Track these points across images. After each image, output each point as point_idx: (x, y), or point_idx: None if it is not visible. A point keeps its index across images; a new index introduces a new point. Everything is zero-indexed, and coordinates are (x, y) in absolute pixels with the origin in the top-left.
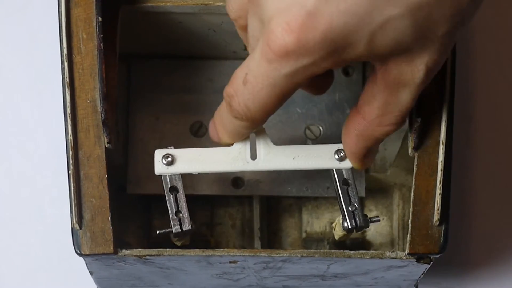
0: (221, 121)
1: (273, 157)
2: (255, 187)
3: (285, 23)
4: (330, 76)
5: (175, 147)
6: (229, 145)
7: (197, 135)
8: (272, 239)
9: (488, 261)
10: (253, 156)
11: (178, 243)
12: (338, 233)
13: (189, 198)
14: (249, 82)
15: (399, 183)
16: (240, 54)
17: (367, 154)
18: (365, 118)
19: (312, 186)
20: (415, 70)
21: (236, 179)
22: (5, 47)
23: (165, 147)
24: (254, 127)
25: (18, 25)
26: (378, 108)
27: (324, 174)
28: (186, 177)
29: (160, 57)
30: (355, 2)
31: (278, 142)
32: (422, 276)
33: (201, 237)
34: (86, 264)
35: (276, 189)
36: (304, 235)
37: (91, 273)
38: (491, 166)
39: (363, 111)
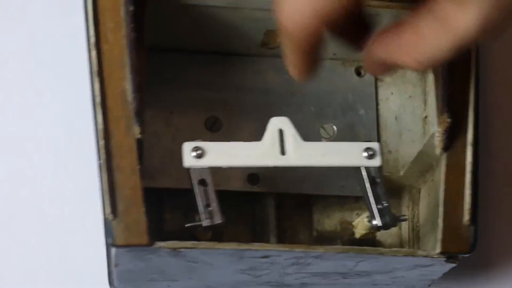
0: None
1: (303, 153)
2: (271, 184)
3: None
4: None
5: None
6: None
7: (212, 130)
8: (282, 237)
9: (492, 263)
10: (283, 152)
11: (203, 238)
12: (360, 231)
13: None
14: None
15: (409, 185)
16: (253, 51)
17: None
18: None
19: (328, 184)
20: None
21: (251, 175)
22: (5, 47)
23: (193, 140)
24: None
25: (18, 25)
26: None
27: (339, 173)
28: None
29: (175, 51)
30: None
31: None
32: (441, 276)
33: (203, 236)
34: (115, 256)
35: (291, 186)
36: (315, 233)
37: (115, 265)
38: (506, 167)
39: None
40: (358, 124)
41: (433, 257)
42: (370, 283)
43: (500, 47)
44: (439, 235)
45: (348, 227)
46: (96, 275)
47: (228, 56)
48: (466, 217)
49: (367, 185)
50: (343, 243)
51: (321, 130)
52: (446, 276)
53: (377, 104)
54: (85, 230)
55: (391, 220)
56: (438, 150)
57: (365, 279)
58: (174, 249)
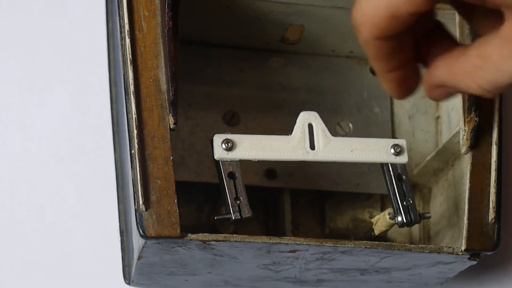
0: None
1: (332, 149)
2: (287, 180)
3: None
4: (417, 73)
5: (209, 136)
6: None
7: (230, 124)
8: (295, 234)
9: (495, 264)
10: (312, 146)
11: (226, 231)
12: (380, 228)
13: (213, 187)
14: None
15: (421, 184)
16: (272, 46)
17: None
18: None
19: (343, 181)
20: None
21: (269, 170)
22: (5, 47)
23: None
24: None
25: (18, 25)
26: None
27: (354, 170)
28: None
29: (193, 44)
30: None
31: None
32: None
33: (224, 229)
34: (142, 248)
35: (307, 182)
36: (327, 230)
37: (139, 258)
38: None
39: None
40: (373, 122)
41: (458, 254)
42: (385, 280)
43: None
44: (464, 233)
45: (360, 224)
46: (96, 274)
47: (246, 51)
48: (491, 215)
49: (393, 182)
50: (357, 240)
51: (337, 127)
52: (458, 276)
53: (391, 103)
54: (85, 230)
55: (415, 217)
56: (463, 149)
57: (382, 276)
58: (204, 241)
